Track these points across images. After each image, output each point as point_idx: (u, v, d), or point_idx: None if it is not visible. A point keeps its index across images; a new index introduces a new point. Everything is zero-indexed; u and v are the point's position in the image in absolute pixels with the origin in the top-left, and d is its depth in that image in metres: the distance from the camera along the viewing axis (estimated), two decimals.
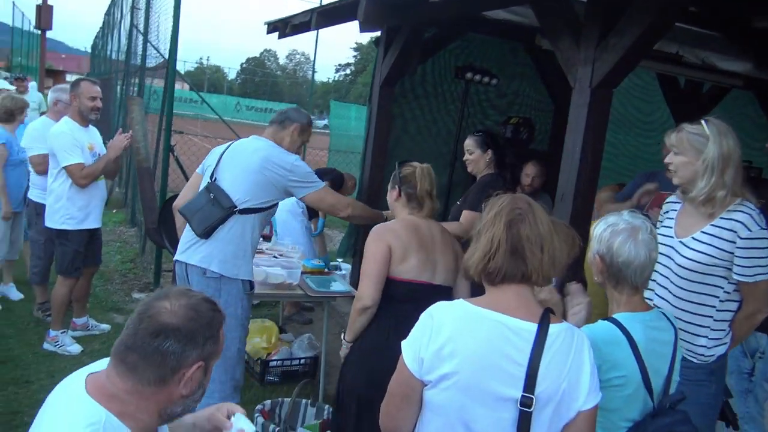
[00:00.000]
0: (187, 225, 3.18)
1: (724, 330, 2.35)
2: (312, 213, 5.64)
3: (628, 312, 1.83)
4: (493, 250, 1.58)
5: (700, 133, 2.29)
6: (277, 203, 3.24)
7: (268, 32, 5.68)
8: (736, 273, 2.25)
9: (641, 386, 1.76)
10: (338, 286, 4.11)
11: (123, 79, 10.34)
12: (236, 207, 3.04)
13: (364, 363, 2.59)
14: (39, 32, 18.41)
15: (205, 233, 3.05)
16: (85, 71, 28.72)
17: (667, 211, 2.56)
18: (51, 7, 15.34)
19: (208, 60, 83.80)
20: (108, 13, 15.73)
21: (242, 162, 3.12)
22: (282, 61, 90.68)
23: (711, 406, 2.42)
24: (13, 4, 25.17)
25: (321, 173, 4.81)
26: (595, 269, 1.89)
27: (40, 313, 4.95)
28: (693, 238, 2.31)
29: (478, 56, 5.69)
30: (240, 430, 1.63)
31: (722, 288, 2.30)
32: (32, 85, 13.67)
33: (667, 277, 2.39)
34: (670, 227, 2.45)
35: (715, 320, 2.33)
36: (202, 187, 3.20)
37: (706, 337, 2.33)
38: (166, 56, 5.93)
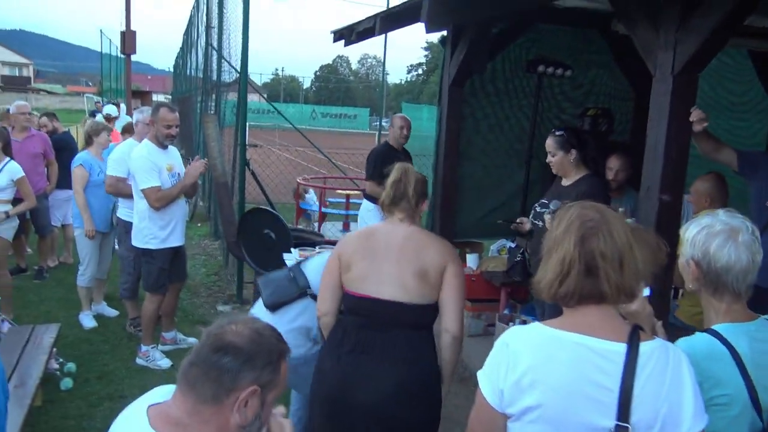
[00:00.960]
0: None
1: None
2: None
3: (729, 322, 1.65)
4: (564, 272, 1.44)
5: None
6: None
7: (335, 41, 5.70)
8: None
9: (749, 405, 1.58)
10: None
11: (201, 95, 10.73)
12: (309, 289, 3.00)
13: (314, 376, 2.54)
14: (124, 57, 19.46)
15: (273, 306, 3.03)
16: (169, 90, 30.16)
17: None
18: (134, 32, 16.15)
19: (282, 71, 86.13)
20: (186, 33, 16.43)
21: None
22: (354, 66, 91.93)
23: None
24: (101, 32, 26.78)
25: None
26: (688, 276, 1.71)
27: (132, 329, 5.16)
28: None
29: (550, 48, 5.46)
30: None
31: None
32: (122, 108, 14.48)
33: None
34: None
35: None
36: None
37: None
38: (246, 71, 6.03)
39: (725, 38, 2.71)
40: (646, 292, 1.70)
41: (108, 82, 28.60)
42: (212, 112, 8.09)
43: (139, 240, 4.49)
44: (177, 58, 21.66)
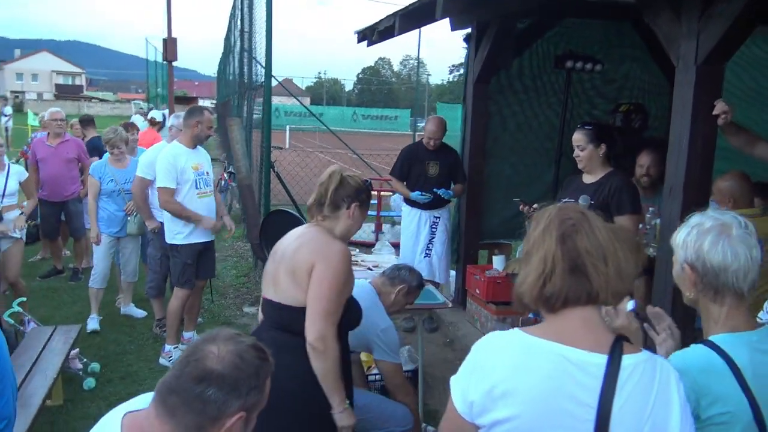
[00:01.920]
0: None
1: None
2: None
3: (729, 332, 1.50)
4: (548, 271, 1.33)
5: None
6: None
7: (358, 41, 5.66)
8: None
9: (752, 424, 1.42)
10: (431, 296, 3.96)
11: (237, 99, 10.86)
12: None
13: None
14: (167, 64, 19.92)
15: None
16: (214, 96, 30.75)
17: None
18: (175, 39, 16.41)
19: (325, 74, 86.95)
20: (226, 39, 16.69)
21: None
22: (396, 67, 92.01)
23: None
24: (146, 40, 27.47)
25: None
26: (685, 283, 1.56)
27: (158, 330, 5.21)
28: None
29: (579, 42, 5.29)
30: None
31: None
32: (165, 113, 14.80)
33: None
34: None
35: None
36: None
37: None
38: (270, 73, 6.03)
39: (751, 25, 2.53)
40: (630, 305, 1.57)
41: (154, 89, 29.32)
42: (245, 115, 8.18)
43: (168, 236, 4.64)
44: (219, 63, 22.07)
